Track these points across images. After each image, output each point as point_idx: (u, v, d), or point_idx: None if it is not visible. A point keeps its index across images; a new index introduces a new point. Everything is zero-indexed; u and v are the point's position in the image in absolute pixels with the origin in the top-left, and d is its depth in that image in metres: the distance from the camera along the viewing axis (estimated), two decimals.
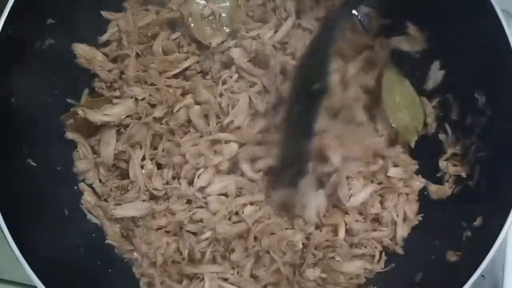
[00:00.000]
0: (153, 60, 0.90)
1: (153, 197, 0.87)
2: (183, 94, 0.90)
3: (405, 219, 0.88)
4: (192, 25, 0.91)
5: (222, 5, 0.93)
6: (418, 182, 0.90)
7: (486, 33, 0.78)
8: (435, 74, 0.91)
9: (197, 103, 0.88)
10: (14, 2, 0.73)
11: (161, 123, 0.88)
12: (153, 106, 0.89)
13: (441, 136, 0.91)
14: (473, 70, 0.83)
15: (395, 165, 0.89)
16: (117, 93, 0.90)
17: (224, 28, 0.92)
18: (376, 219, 0.89)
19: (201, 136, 0.87)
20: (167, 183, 0.87)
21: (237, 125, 0.87)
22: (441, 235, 0.86)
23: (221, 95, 0.88)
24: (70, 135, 0.88)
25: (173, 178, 0.87)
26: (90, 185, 0.90)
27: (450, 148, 0.90)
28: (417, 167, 0.90)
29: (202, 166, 0.85)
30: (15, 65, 0.76)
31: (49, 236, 0.78)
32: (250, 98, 0.88)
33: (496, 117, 0.81)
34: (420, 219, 0.89)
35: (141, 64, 0.91)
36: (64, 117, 0.86)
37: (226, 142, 0.87)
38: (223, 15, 0.92)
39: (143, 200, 0.86)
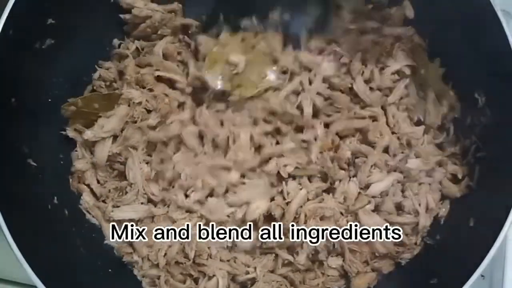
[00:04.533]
0: (149, 60, 0.90)
1: (150, 201, 0.87)
2: (180, 106, 0.89)
3: (427, 208, 0.87)
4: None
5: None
6: (439, 173, 0.88)
7: (486, 33, 0.79)
8: (438, 70, 0.91)
9: (194, 121, 0.87)
10: (14, 2, 0.73)
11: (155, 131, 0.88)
12: (149, 111, 0.89)
13: (442, 136, 0.91)
14: (473, 70, 0.83)
15: (417, 156, 0.88)
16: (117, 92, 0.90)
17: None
18: (399, 208, 0.87)
19: (195, 155, 0.86)
20: (164, 189, 0.87)
21: (240, 159, 0.85)
22: (441, 235, 0.86)
23: (222, 123, 0.87)
24: (70, 133, 0.87)
25: (169, 184, 0.87)
26: (88, 185, 0.89)
27: (450, 147, 0.90)
28: (440, 158, 0.89)
29: (199, 188, 0.84)
30: (15, 65, 0.76)
31: (49, 236, 0.78)
32: (251, 135, 0.86)
33: (496, 117, 0.81)
34: (440, 206, 0.88)
35: (138, 63, 0.91)
36: (64, 106, 0.85)
37: (227, 169, 0.85)
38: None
39: (141, 203, 0.86)
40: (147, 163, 0.87)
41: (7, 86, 0.76)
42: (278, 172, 0.86)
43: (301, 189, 0.85)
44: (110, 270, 0.86)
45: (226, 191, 0.86)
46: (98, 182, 0.90)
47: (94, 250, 0.86)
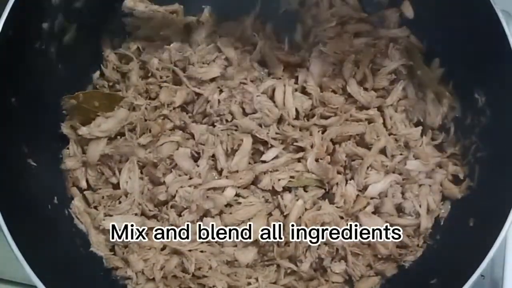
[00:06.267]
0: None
1: (144, 213, 0.86)
2: (174, 129, 0.89)
3: (428, 210, 0.86)
4: None
5: None
6: (440, 174, 0.88)
7: (486, 33, 0.78)
8: (435, 71, 0.91)
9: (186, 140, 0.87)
10: (14, 2, 0.73)
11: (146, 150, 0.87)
12: (145, 120, 0.88)
13: (441, 136, 0.91)
14: (473, 70, 0.83)
15: (416, 158, 0.88)
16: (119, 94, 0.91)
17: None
18: (400, 210, 0.87)
19: (190, 178, 0.85)
20: (157, 204, 0.86)
21: (236, 169, 0.85)
22: (441, 235, 0.86)
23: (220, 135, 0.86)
24: (65, 129, 0.86)
25: (163, 204, 0.86)
26: (81, 190, 0.88)
27: (450, 148, 0.89)
28: (439, 159, 0.89)
29: (193, 211, 0.83)
30: (15, 65, 0.76)
31: (49, 236, 0.78)
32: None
33: (496, 117, 0.81)
34: (441, 207, 0.88)
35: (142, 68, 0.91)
36: (65, 98, 0.85)
37: (222, 189, 0.84)
38: None
39: (135, 214, 0.85)
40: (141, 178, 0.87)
41: (7, 86, 0.76)
42: (273, 187, 0.85)
43: (297, 200, 0.85)
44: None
45: (221, 211, 0.85)
46: (90, 187, 0.88)
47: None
